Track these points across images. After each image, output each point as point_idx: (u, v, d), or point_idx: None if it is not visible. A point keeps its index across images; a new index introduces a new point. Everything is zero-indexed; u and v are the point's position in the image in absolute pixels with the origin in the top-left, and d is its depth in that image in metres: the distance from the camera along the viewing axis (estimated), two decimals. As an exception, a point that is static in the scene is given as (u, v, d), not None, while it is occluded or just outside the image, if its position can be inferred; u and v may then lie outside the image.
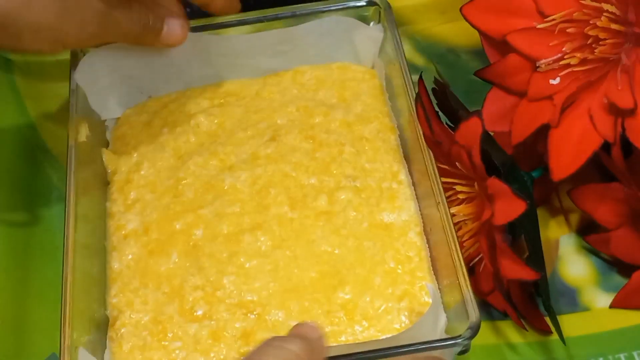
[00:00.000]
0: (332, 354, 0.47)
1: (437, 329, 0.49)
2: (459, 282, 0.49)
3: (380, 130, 0.60)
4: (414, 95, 0.56)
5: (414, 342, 0.48)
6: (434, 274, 0.53)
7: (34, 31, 0.53)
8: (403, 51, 0.60)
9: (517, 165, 0.56)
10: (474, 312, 0.48)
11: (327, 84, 0.64)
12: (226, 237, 0.55)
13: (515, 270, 0.51)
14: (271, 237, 0.55)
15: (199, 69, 0.63)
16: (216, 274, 0.54)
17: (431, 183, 0.54)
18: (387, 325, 0.52)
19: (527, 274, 0.51)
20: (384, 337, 0.51)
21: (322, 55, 0.64)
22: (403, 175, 0.58)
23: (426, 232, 0.55)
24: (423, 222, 0.56)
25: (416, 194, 0.57)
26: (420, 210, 0.56)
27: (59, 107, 0.65)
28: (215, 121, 0.62)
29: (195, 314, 0.53)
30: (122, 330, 0.53)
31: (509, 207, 0.50)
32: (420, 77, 0.55)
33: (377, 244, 0.55)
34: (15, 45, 0.54)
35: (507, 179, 0.51)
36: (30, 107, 0.68)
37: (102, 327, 0.54)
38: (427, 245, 0.55)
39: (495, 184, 0.51)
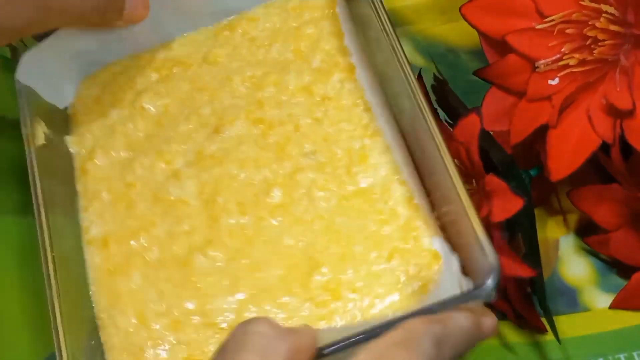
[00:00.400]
0: (348, 334, 0.42)
1: (456, 278, 0.45)
2: (470, 221, 0.44)
3: (344, 78, 0.54)
4: (389, 23, 0.52)
5: (438, 302, 0.42)
6: (439, 223, 0.48)
7: None
8: None
9: (515, 163, 0.56)
10: (492, 253, 0.43)
11: (282, 34, 0.57)
12: (178, 259, 0.51)
13: (512, 267, 0.51)
14: (224, 250, 0.50)
15: (150, 26, 0.57)
16: (176, 298, 0.50)
17: (416, 103, 0.48)
18: (385, 289, 0.47)
19: (524, 271, 0.50)
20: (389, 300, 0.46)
21: None
22: (377, 122, 0.52)
23: (422, 175, 0.50)
24: (416, 164, 0.50)
25: (401, 128, 0.51)
26: (410, 148, 0.51)
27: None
28: (161, 102, 0.57)
29: (164, 341, 0.49)
30: (104, 347, 0.50)
31: (506, 204, 0.50)
32: (419, 75, 0.55)
33: (352, 216, 0.49)
34: None
35: (505, 177, 0.51)
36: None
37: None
38: (421, 191, 0.49)
39: (493, 181, 0.51)
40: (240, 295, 0.49)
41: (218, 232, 0.51)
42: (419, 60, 0.69)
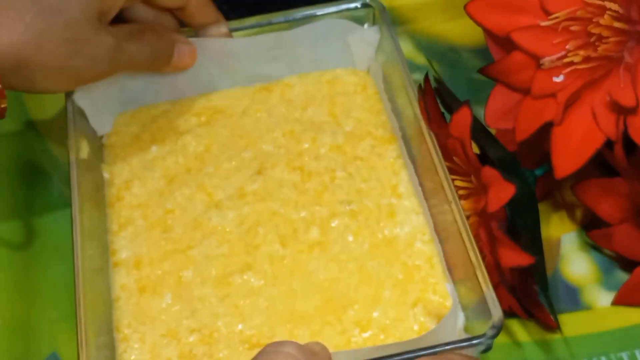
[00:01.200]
0: (353, 359, 0.47)
1: (456, 329, 0.50)
2: (477, 279, 0.49)
3: (375, 145, 0.60)
4: (415, 96, 0.57)
5: (436, 343, 0.47)
6: (451, 277, 0.53)
7: (46, 73, 0.53)
8: (401, 51, 0.60)
9: (518, 162, 0.56)
10: (496, 310, 0.48)
11: (317, 100, 0.63)
12: (215, 280, 0.55)
13: (512, 257, 0.51)
14: (262, 276, 0.55)
15: (190, 76, 0.63)
16: (210, 317, 0.53)
17: (441, 181, 0.53)
18: (406, 332, 0.52)
19: (523, 259, 0.51)
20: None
21: (317, 59, 0.64)
22: (403, 188, 0.58)
23: (440, 237, 0.55)
24: (435, 227, 0.55)
25: (425, 197, 0.56)
26: (430, 214, 0.56)
27: (60, 107, 0.64)
28: (203, 142, 0.61)
29: (194, 355, 0.52)
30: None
31: (499, 192, 0.50)
32: (427, 76, 0.55)
33: (382, 262, 0.55)
34: (28, 87, 0.54)
35: (507, 174, 0.51)
36: (30, 106, 0.68)
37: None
38: (440, 251, 0.55)
39: (488, 171, 0.51)
40: (274, 319, 0.53)
41: (257, 258, 0.56)
42: (420, 59, 0.69)
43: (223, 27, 0.62)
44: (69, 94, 0.59)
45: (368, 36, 0.63)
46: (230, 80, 0.64)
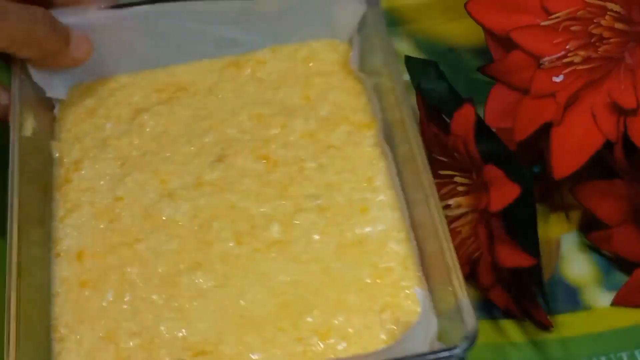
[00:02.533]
0: None
1: (428, 337, 0.45)
2: (452, 285, 0.45)
3: (352, 131, 0.55)
4: (400, 75, 0.54)
5: (404, 355, 0.43)
6: (427, 282, 0.49)
7: None
8: (385, 24, 0.55)
9: (516, 159, 0.56)
10: (470, 319, 0.43)
11: (290, 80, 0.58)
12: (161, 278, 0.50)
13: (513, 257, 0.51)
14: (213, 276, 0.50)
15: (154, 46, 0.58)
16: (152, 319, 0.49)
17: (418, 173, 0.49)
18: (371, 341, 0.47)
19: (523, 260, 0.50)
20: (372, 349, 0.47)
21: (292, 29, 0.59)
22: (379, 180, 0.53)
23: (418, 237, 0.50)
24: (413, 224, 0.51)
25: (404, 190, 0.52)
26: (408, 210, 0.51)
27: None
28: (161, 122, 0.56)
29: None
30: None
31: (504, 192, 0.50)
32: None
33: (348, 263, 0.50)
34: None
35: (507, 172, 0.51)
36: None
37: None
38: (416, 252, 0.50)
39: (491, 170, 0.51)
40: (222, 324, 0.48)
41: (209, 256, 0.51)
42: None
43: None
44: (17, 61, 0.54)
45: (351, 5, 0.57)
46: (197, 49, 0.59)
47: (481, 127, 0.55)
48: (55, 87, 0.57)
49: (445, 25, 0.70)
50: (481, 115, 0.57)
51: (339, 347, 0.47)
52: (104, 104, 0.58)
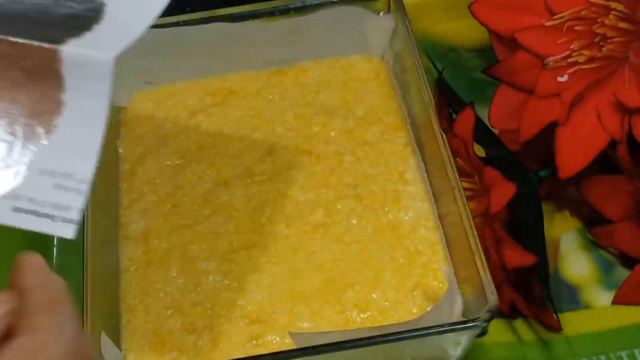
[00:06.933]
0: (345, 338, 0.48)
1: (454, 313, 0.50)
2: (476, 265, 0.50)
3: (385, 131, 0.61)
4: (427, 84, 0.57)
5: (432, 324, 0.48)
6: (453, 265, 0.54)
7: None
8: (415, 39, 0.60)
9: (521, 162, 0.56)
10: (492, 294, 0.48)
11: (330, 85, 0.64)
12: (220, 255, 0.56)
13: (515, 257, 0.51)
14: (266, 254, 0.56)
15: (207, 59, 0.64)
16: (213, 291, 0.55)
17: (445, 168, 0.54)
18: (404, 314, 0.53)
19: (525, 259, 0.51)
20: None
21: (332, 45, 0.65)
22: (410, 174, 0.59)
23: (444, 226, 0.56)
24: (440, 216, 0.56)
25: (432, 185, 0.57)
26: (436, 203, 0.57)
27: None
28: (215, 121, 0.63)
29: (195, 328, 0.54)
30: (125, 332, 0.54)
31: (501, 192, 0.51)
32: (440, 73, 0.56)
33: (384, 245, 0.56)
34: None
35: (510, 175, 0.51)
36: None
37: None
38: (443, 239, 0.56)
39: (490, 172, 0.51)
40: (275, 296, 0.54)
41: (262, 236, 0.57)
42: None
43: None
44: None
45: (383, 24, 0.64)
46: (246, 63, 0.65)
47: (482, 129, 0.55)
48: (118, 95, 0.63)
49: (446, 24, 0.70)
50: (482, 114, 0.57)
51: (377, 319, 0.53)
52: (163, 107, 0.64)
